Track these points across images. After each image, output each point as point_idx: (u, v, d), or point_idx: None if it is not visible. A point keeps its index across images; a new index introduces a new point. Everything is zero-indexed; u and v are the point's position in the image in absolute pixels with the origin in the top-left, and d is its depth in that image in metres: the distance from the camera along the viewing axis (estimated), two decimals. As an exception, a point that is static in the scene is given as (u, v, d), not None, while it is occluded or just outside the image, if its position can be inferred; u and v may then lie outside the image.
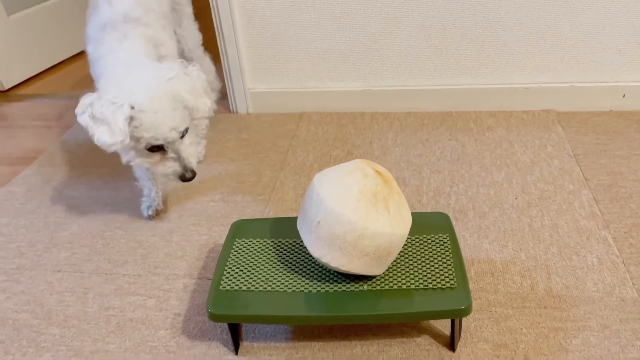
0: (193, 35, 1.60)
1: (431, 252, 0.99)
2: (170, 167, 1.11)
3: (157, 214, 1.39)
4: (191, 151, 1.12)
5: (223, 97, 1.89)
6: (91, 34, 1.22)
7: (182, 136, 1.10)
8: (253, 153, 1.61)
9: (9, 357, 1.02)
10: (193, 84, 1.10)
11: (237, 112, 1.83)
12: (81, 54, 2.44)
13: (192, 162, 1.12)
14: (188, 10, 1.56)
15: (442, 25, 1.61)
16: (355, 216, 0.87)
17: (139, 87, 1.04)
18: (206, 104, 1.11)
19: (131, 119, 1.02)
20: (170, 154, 1.10)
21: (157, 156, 1.11)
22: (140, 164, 1.12)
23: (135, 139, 1.06)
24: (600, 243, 1.16)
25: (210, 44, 1.79)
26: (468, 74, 1.68)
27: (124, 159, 1.12)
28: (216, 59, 1.82)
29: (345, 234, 0.87)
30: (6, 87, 2.15)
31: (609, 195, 1.29)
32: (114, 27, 1.18)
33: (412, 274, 0.95)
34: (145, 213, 1.38)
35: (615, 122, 1.59)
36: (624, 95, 1.63)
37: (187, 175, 1.12)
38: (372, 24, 1.64)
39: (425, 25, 1.62)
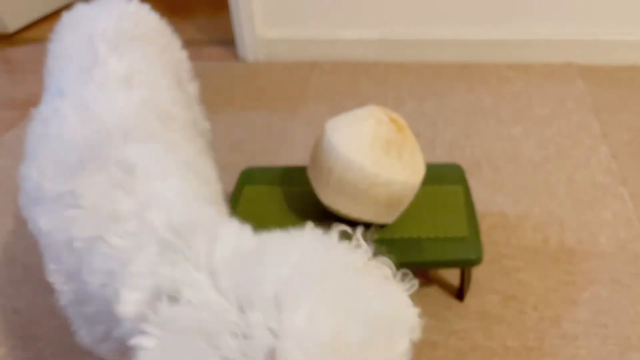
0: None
1: (443, 202, 0.97)
2: None
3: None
4: None
5: (230, 44, 1.84)
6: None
7: None
8: (263, 102, 1.58)
9: (20, 294, 1.04)
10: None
11: (246, 59, 1.79)
12: (88, -2, 2.37)
13: None
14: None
15: (463, -29, 1.54)
16: (367, 163, 0.85)
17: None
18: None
19: None
20: None
21: None
22: None
23: None
24: (616, 199, 1.13)
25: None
26: (488, 24, 1.61)
27: None
28: (225, 3, 1.75)
29: (356, 181, 0.85)
30: (11, 30, 2.11)
31: (627, 152, 1.26)
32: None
33: (423, 224, 0.93)
34: None
35: (639, 77, 1.53)
36: (649, 50, 1.56)
37: None
38: (389, -32, 1.57)
39: (445, -29, 1.55)
